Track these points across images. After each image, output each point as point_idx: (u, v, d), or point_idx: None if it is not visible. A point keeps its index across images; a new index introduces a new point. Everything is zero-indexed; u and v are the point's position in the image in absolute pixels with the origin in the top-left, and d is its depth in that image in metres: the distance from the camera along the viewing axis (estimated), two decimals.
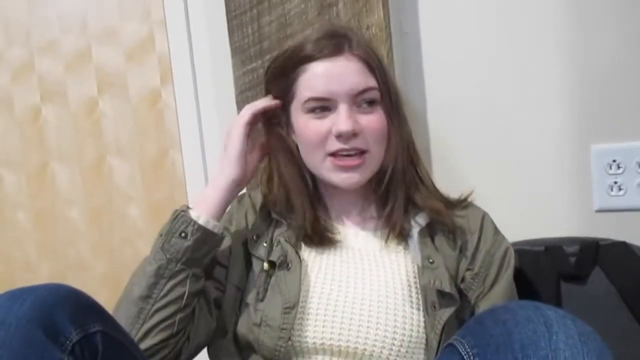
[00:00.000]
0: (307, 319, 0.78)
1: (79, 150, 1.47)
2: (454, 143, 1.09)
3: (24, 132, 1.51)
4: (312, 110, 0.81)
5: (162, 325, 0.78)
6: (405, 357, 0.76)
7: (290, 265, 0.80)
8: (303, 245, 0.85)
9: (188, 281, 0.79)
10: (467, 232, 0.85)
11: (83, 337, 0.63)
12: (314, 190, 0.88)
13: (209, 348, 0.87)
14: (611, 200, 0.99)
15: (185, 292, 0.78)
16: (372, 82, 0.81)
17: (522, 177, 1.05)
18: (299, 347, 0.78)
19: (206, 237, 0.80)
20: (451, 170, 1.06)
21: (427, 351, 0.76)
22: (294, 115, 0.85)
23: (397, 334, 0.76)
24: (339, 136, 0.79)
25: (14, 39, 1.48)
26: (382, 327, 0.76)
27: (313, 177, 0.87)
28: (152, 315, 0.78)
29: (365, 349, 0.76)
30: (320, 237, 0.84)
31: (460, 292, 0.81)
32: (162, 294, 0.78)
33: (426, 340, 0.76)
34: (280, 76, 0.84)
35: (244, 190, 0.93)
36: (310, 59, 0.81)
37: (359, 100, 0.81)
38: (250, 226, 0.89)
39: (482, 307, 0.81)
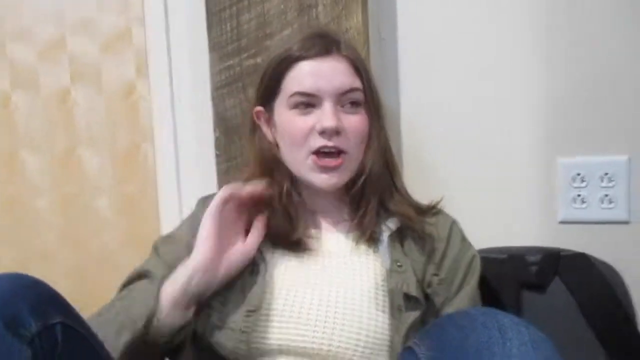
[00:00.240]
0: (270, 322, 0.78)
1: (49, 139, 1.44)
2: (425, 150, 1.10)
3: None
4: (296, 106, 0.82)
5: None
6: (369, 358, 0.76)
7: (254, 267, 0.81)
8: (270, 246, 0.86)
9: None
10: (436, 238, 0.86)
11: (43, 329, 0.62)
12: (292, 191, 0.87)
13: None
14: (574, 212, 1.02)
15: None
16: (357, 84, 0.82)
17: (491, 186, 1.07)
18: (261, 348, 0.78)
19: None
20: (422, 176, 1.08)
21: (391, 353, 0.77)
22: (278, 112, 0.85)
23: (361, 335, 0.76)
24: (323, 132, 0.80)
25: None
26: (347, 329, 0.77)
27: (291, 176, 0.87)
28: None
29: (330, 350, 0.76)
30: (289, 239, 0.84)
31: (426, 296, 0.82)
32: None
33: (391, 342, 0.77)
34: (269, 74, 0.85)
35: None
36: (300, 57, 0.82)
37: (344, 100, 0.82)
38: None
39: (447, 312, 0.82)
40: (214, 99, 1.13)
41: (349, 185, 0.86)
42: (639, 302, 0.91)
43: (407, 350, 0.64)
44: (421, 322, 0.80)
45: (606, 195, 1.00)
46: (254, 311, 0.77)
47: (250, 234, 0.83)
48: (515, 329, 0.57)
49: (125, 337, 0.74)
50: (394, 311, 0.78)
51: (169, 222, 1.30)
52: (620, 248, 0.99)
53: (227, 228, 0.81)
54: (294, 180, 0.87)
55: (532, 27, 1.03)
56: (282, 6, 1.07)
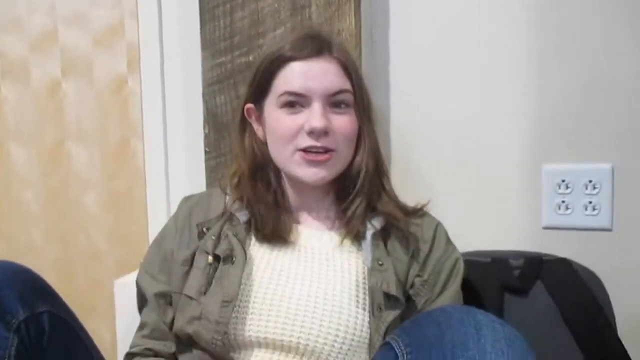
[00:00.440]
0: (247, 313, 0.78)
1: (38, 131, 1.44)
2: (414, 153, 1.11)
3: None
4: (286, 105, 0.83)
5: None
6: (347, 355, 0.77)
7: (234, 259, 0.81)
8: (254, 241, 0.86)
9: None
10: (420, 239, 0.87)
11: (30, 316, 0.63)
12: (278, 187, 0.88)
13: None
14: (558, 218, 1.03)
15: None
16: (347, 85, 0.83)
17: (477, 190, 1.08)
18: (239, 340, 0.78)
19: None
20: (410, 178, 1.08)
21: (370, 351, 0.78)
22: (268, 110, 0.86)
23: (340, 331, 0.77)
24: (311, 132, 0.81)
25: None
26: (326, 324, 0.77)
27: (279, 173, 0.88)
28: None
29: (307, 345, 0.77)
30: (273, 234, 0.85)
31: (408, 297, 0.83)
32: None
33: (370, 340, 0.78)
34: (260, 73, 0.86)
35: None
36: (291, 58, 0.82)
37: (333, 101, 0.83)
38: (198, 221, 0.89)
39: None
40: (204, 95, 1.13)
41: (336, 184, 0.87)
42: (618, 308, 0.92)
43: (386, 345, 0.65)
44: (400, 321, 0.80)
45: (590, 202, 1.01)
46: (229, 302, 0.78)
47: None
48: (490, 325, 0.59)
49: None
50: (374, 309, 0.78)
51: (157, 218, 1.30)
52: (603, 255, 1.00)
53: None
54: (281, 177, 0.89)
55: (521, 35, 1.04)
56: (275, 5, 1.07)
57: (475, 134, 1.08)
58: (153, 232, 1.30)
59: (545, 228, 1.04)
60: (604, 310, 0.89)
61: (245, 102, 0.89)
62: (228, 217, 0.87)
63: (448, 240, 0.89)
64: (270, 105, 0.85)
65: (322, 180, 0.84)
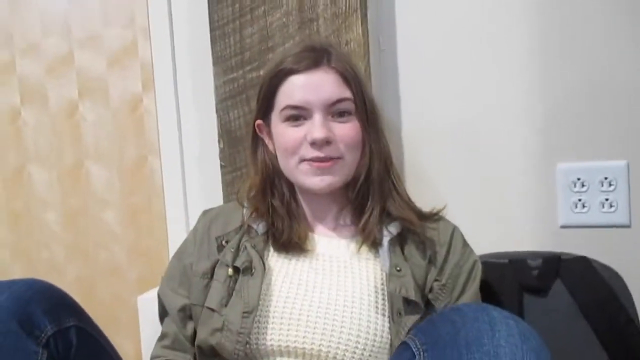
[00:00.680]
0: (268, 323, 0.80)
1: (57, 153, 1.47)
2: (426, 158, 1.12)
3: (1, 134, 1.50)
4: (288, 118, 0.85)
5: None
6: None
7: (254, 271, 0.83)
8: (273, 251, 0.88)
9: None
10: (437, 243, 0.88)
11: (58, 331, 0.65)
12: (291, 199, 0.90)
13: None
14: (575, 216, 1.03)
15: None
16: (347, 94, 0.84)
17: (492, 193, 1.08)
18: (262, 349, 0.80)
19: None
20: (423, 184, 1.09)
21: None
22: (274, 124, 0.88)
23: (360, 337, 0.78)
24: (313, 143, 0.82)
25: None
26: (347, 331, 0.78)
27: (291, 185, 0.90)
28: None
29: (329, 352, 0.78)
30: (289, 244, 0.86)
31: (427, 301, 0.84)
32: None
33: (390, 345, 0.79)
34: (264, 89, 0.88)
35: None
36: (290, 71, 0.84)
37: (334, 110, 0.84)
38: (217, 234, 0.91)
39: None
40: (218, 110, 1.15)
41: (348, 191, 0.88)
42: None
43: (403, 345, 0.67)
44: None
45: (606, 200, 1.01)
46: (251, 312, 0.79)
47: None
48: (504, 322, 0.60)
49: None
50: (394, 315, 0.79)
51: (176, 233, 1.32)
52: (622, 251, 0.99)
53: None
54: (294, 188, 0.91)
55: (529, 35, 1.04)
56: (284, 20, 1.09)
57: (487, 136, 1.08)
58: (173, 246, 1.32)
59: (563, 227, 1.04)
60: (625, 307, 0.88)
61: (256, 119, 0.91)
62: (246, 229, 0.89)
63: (465, 244, 0.90)
64: (275, 119, 0.87)
65: (329, 187, 0.85)
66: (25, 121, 1.48)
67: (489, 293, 0.90)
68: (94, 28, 1.41)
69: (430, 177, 1.11)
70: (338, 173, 0.85)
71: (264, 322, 0.80)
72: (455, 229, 0.91)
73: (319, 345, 0.78)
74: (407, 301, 0.80)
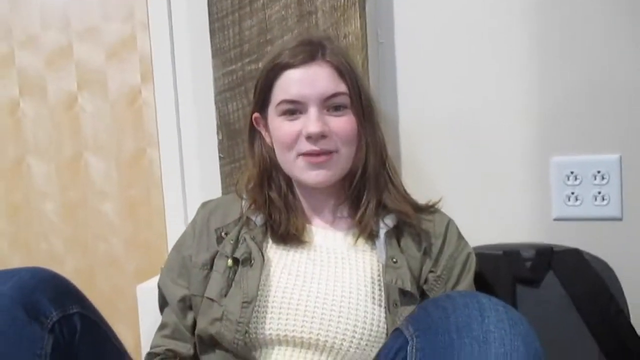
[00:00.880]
0: (267, 312, 0.81)
1: (56, 145, 1.48)
2: (423, 151, 1.13)
3: (1, 126, 1.51)
4: (284, 113, 0.86)
5: None
6: (365, 349, 0.80)
7: (253, 262, 0.84)
8: (271, 243, 0.89)
9: None
10: (433, 235, 0.89)
11: (62, 317, 0.67)
12: (288, 191, 0.91)
13: None
14: (568, 209, 1.05)
15: None
16: (342, 88, 0.85)
17: (486, 185, 1.10)
18: (260, 338, 0.81)
19: None
20: (419, 176, 1.11)
21: None
22: (270, 117, 0.89)
23: (357, 327, 0.79)
24: (309, 137, 0.83)
25: None
26: (344, 321, 0.80)
27: (289, 177, 0.91)
28: None
29: (326, 341, 0.79)
30: (287, 236, 0.88)
31: (422, 292, 0.85)
32: None
33: (387, 335, 0.80)
34: (261, 82, 0.89)
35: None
36: (286, 66, 0.85)
37: (329, 104, 0.85)
38: (216, 226, 0.92)
39: None
40: (217, 102, 1.16)
41: (344, 184, 0.89)
42: (631, 295, 0.94)
43: (396, 331, 0.69)
44: None
45: (599, 193, 1.03)
46: (250, 302, 0.81)
47: None
48: (493, 308, 0.62)
49: None
50: (390, 305, 0.81)
51: (175, 224, 1.33)
52: (614, 244, 1.01)
53: None
54: (291, 181, 0.92)
55: (526, 29, 1.06)
56: (282, 13, 1.10)
57: (483, 130, 1.09)
58: (171, 237, 1.33)
59: (556, 220, 1.06)
60: (615, 298, 0.90)
61: (252, 112, 0.92)
62: (245, 221, 0.90)
63: (460, 236, 0.91)
64: (272, 113, 0.88)
65: (325, 181, 0.86)
66: (24, 113, 1.49)
67: (483, 284, 0.92)
68: (93, 21, 1.41)
69: (427, 170, 1.13)
70: (334, 167, 0.86)
71: (263, 312, 0.81)
72: (450, 221, 0.92)
73: (317, 335, 0.79)
74: (403, 292, 0.81)
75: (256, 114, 0.92)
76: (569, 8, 1.03)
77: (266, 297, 0.82)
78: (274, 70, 0.86)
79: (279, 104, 0.86)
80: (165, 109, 1.33)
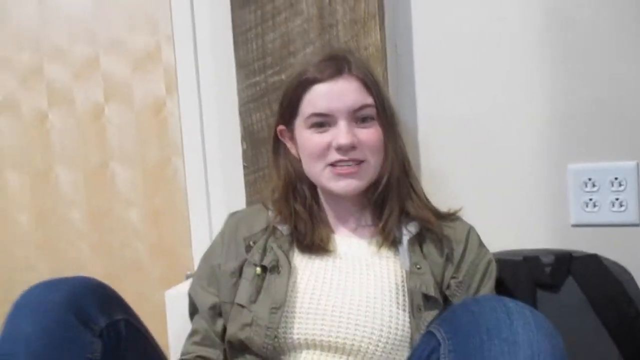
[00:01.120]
0: (295, 317, 0.84)
1: (83, 154, 1.52)
2: (442, 159, 1.15)
3: (30, 135, 1.56)
4: (313, 126, 0.89)
5: None
6: (390, 353, 0.82)
7: (280, 269, 0.87)
8: (297, 252, 0.92)
9: None
10: (454, 242, 0.91)
11: (110, 324, 0.70)
12: (313, 202, 0.94)
13: None
14: (586, 215, 1.06)
15: None
16: (369, 100, 0.88)
17: (505, 193, 1.12)
18: (289, 343, 0.84)
19: None
20: (439, 185, 1.13)
21: (412, 349, 0.82)
22: (298, 131, 0.92)
23: (383, 331, 0.82)
24: (339, 149, 0.86)
25: (24, 45, 1.54)
26: (370, 325, 0.82)
27: (313, 188, 0.94)
28: None
29: (353, 344, 0.82)
30: (313, 246, 0.91)
31: (445, 297, 0.88)
32: None
33: (411, 339, 0.83)
34: (288, 97, 0.92)
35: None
36: (314, 81, 0.88)
37: (357, 116, 0.88)
38: (244, 236, 0.95)
39: None
40: (241, 113, 1.19)
41: (369, 193, 0.92)
42: None
43: (428, 333, 0.72)
44: None
45: (617, 199, 1.04)
46: (278, 308, 0.84)
47: None
48: (520, 311, 0.65)
49: None
50: (414, 310, 0.83)
51: (199, 232, 1.37)
52: (631, 249, 1.03)
53: None
54: (316, 191, 0.95)
55: (542, 38, 1.08)
56: (304, 26, 1.13)
57: (501, 138, 1.11)
58: (195, 245, 1.37)
59: (574, 226, 1.08)
60: (634, 302, 0.91)
61: (277, 124, 0.95)
62: (271, 230, 0.93)
63: (480, 244, 0.93)
64: (300, 126, 0.91)
65: (354, 190, 0.89)
66: (52, 124, 1.54)
67: (503, 289, 0.94)
68: (119, 34, 1.45)
69: (446, 177, 1.15)
70: (363, 177, 0.89)
71: (291, 317, 0.84)
72: (471, 228, 0.94)
73: (344, 338, 0.82)
74: (426, 297, 0.84)
75: (281, 127, 0.95)
76: (581, 14, 1.04)
77: (294, 302, 0.85)
78: (302, 85, 0.89)
79: (308, 117, 0.88)
80: (189, 119, 1.37)
